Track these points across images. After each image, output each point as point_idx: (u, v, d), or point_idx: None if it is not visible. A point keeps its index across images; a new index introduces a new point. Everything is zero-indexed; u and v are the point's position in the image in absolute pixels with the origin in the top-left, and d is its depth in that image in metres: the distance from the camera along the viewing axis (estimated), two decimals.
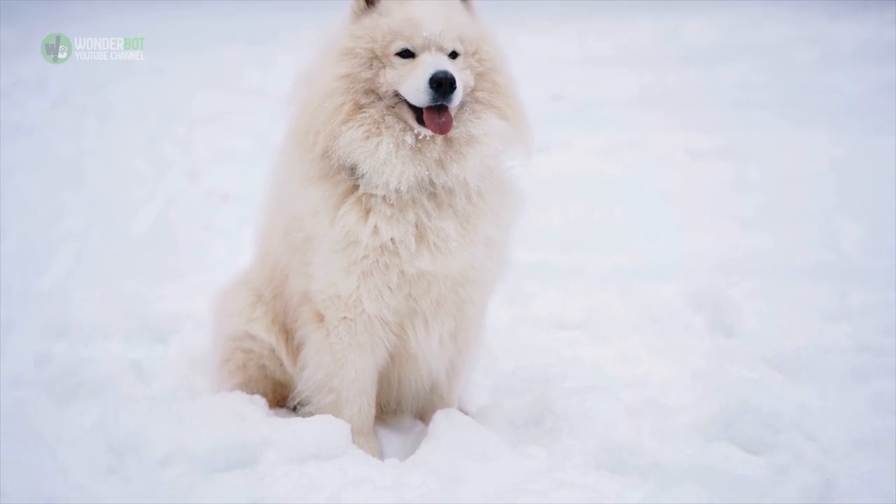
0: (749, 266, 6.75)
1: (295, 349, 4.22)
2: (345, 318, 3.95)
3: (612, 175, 9.23)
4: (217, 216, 8.06)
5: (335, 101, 3.78)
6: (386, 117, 3.80)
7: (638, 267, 6.75)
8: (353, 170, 3.83)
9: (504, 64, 4.01)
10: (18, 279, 6.40)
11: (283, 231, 4.09)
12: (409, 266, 3.85)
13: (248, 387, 4.30)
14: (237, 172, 8.85)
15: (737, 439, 3.92)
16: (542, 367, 4.80)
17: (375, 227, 3.81)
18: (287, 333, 4.26)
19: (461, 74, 3.80)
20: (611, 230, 7.77)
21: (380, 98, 3.81)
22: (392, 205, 3.82)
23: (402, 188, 3.79)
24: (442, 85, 3.69)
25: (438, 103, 3.72)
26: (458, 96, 3.75)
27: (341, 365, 4.00)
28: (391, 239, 3.82)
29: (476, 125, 3.87)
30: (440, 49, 3.80)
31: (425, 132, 3.77)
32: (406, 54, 3.80)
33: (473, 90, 3.90)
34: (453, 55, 3.83)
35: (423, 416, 4.31)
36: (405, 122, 3.80)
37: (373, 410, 4.12)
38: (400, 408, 4.33)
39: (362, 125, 3.78)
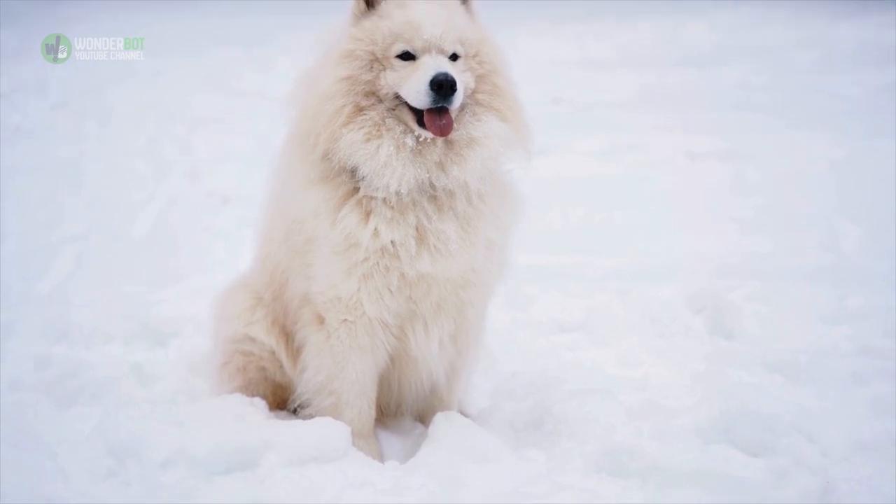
0: (749, 268, 6.75)
1: (295, 352, 4.22)
2: (345, 320, 3.95)
3: (611, 177, 9.23)
4: (217, 218, 8.06)
5: (336, 103, 3.79)
6: (386, 119, 3.81)
7: (638, 269, 6.76)
8: (353, 172, 3.83)
9: (504, 66, 4.01)
10: (18, 282, 6.41)
11: (283, 233, 4.09)
12: (409, 268, 3.85)
13: (249, 389, 4.31)
14: (237, 174, 8.85)
15: (737, 442, 3.92)
16: (542, 370, 4.81)
17: (376, 229, 3.81)
18: (287, 336, 4.26)
19: (462, 77, 3.80)
20: (610, 232, 7.77)
21: (380, 100, 3.82)
22: (392, 207, 3.82)
23: (402, 190, 3.79)
24: (443, 87, 3.69)
25: (439, 105, 3.73)
26: (458, 98, 3.75)
27: (342, 367, 4.01)
28: (391, 241, 3.82)
29: (476, 127, 3.87)
30: (441, 51, 3.80)
31: (426, 134, 3.78)
32: (406, 57, 3.80)
33: (474, 92, 3.90)
34: (454, 57, 3.83)
35: (424, 418, 4.31)
36: (406, 124, 3.80)
37: (373, 413, 4.13)
38: (400, 410, 4.34)
39: (363, 127, 3.78)
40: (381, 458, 4.05)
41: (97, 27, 12.41)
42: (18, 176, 8.83)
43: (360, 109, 3.80)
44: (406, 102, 3.78)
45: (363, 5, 3.88)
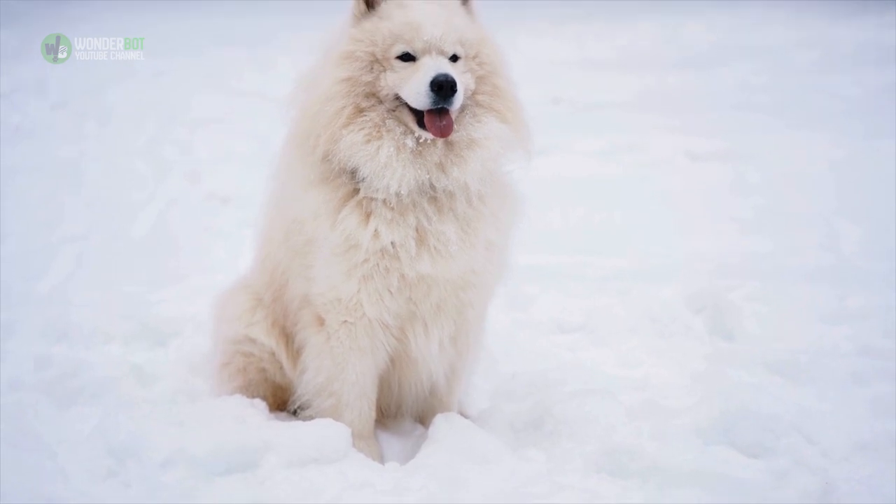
0: (749, 269, 6.75)
1: (295, 353, 4.22)
2: (345, 321, 3.95)
3: (611, 178, 9.24)
4: (217, 218, 8.06)
5: (336, 104, 3.78)
6: (387, 121, 3.80)
7: (638, 270, 6.76)
8: (353, 173, 3.83)
9: (504, 67, 4.01)
10: (18, 282, 6.41)
11: (283, 234, 4.09)
12: (409, 270, 3.85)
13: (249, 390, 4.31)
14: (237, 174, 8.85)
15: (736, 442, 3.92)
16: (542, 371, 4.81)
17: (376, 230, 3.81)
18: (287, 337, 4.26)
19: (462, 78, 3.80)
20: (610, 233, 7.77)
21: (380, 101, 3.81)
22: (392, 208, 3.82)
23: (402, 192, 3.79)
24: (443, 88, 3.69)
25: (439, 106, 3.72)
26: (458, 99, 3.75)
27: (342, 368, 4.01)
28: (392, 242, 3.82)
29: (477, 129, 3.87)
30: (441, 52, 3.80)
31: (426, 136, 3.77)
32: (407, 58, 3.80)
33: (474, 93, 3.90)
34: (454, 58, 3.83)
35: (424, 419, 4.31)
36: (406, 125, 3.80)
37: (373, 414, 4.12)
38: (400, 411, 4.33)
39: (363, 129, 3.78)
40: (381, 459, 4.05)
41: (98, 27, 12.43)
42: (18, 176, 8.83)
43: (360, 111, 3.79)
44: (406, 104, 3.78)
45: (363, 6, 3.88)
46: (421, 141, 3.80)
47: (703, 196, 8.66)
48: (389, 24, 3.82)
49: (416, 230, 3.84)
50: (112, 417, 3.88)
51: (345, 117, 3.77)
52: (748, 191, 8.74)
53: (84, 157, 9.67)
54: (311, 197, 3.89)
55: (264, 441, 3.76)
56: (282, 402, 4.35)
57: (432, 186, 3.82)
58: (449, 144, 3.83)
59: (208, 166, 9.43)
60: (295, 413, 4.26)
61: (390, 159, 3.76)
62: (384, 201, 3.82)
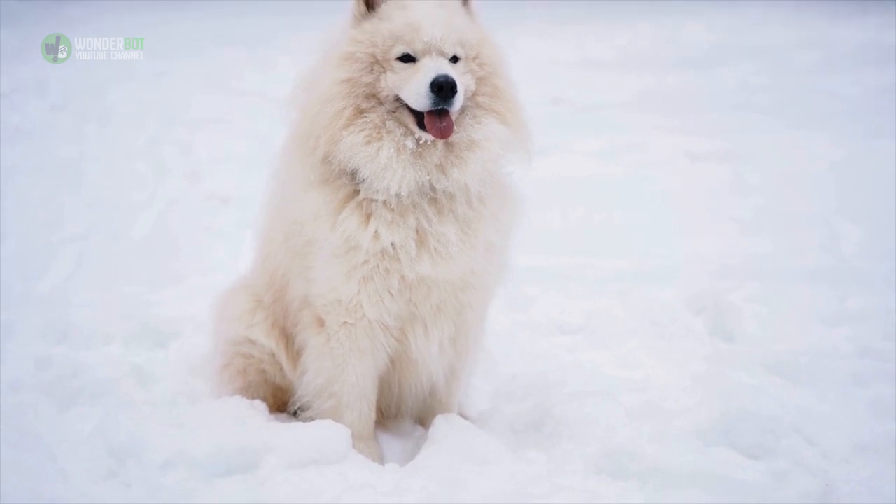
0: (749, 270, 6.75)
1: (295, 354, 4.22)
2: (345, 322, 3.95)
3: (611, 178, 9.23)
4: (217, 219, 8.06)
5: (336, 105, 3.78)
6: (387, 122, 3.80)
7: (638, 270, 6.76)
8: (353, 174, 3.82)
9: (504, 68, 4.01)
10: (19, 282, 6.40)
11: (283, 235, 4.09)
12: (409, 271, 3.85)
13: (249, 391, 4.31)
14: (237, 175, 8.85)
15: (737, 444, 3.92)
16: (542, 372, 4.80)
17: (376, 231, 3.81)
18: (287, 338, 4.26)
19: (462, 79, 3.80)
20: (610, 233, 7.77)
21: (381, 103, 3.81)
22: (393, 210, 3.82)
23: (402, 193, 3.78)
24: (443, 89, 3.69)
25: (439, 107, 3.72)
26: (459, 100, 3.75)
27: (342, 370, 4.00)
28: (392, 244, 3.82)
29: (477, 130, 3.87)
30: (441, 53, 3.80)
31: (426, 137, 3.77)
32: (407, 59, 3.80)
33: (474, 94, 3.90)
34: (454, 59, 3.83)
35: (424, 420, 4.31)
36: (406, 126, 3.80)
37: (373, 415, 4.12)
38: (400, 412, 4.33)
39: (363, 130, 3.78)
40: (381, 460, 4.05)
41: (98, 28, 12.43)
42: (18, 176, 8.83)
43: (360, 112, 3.79)
44: (406, 105, 3.78)
45: (363, 7, 3.88)
46: (421, 142, 3.80)
47: (703, 196, 8.67)
48: (390, 26, 3.82)
49: (417, 231, 3.84)
50: (112, 418, 3.88)
51: (345, 119, 3.77)
52: (748, 191, 8.74)
53: (84, 157, 9.66)
54: (311, 198, 3.89)
55: (264, 442, 3.75)
56: (282, 403, 4.35)
57: (432, 188, 3.82)
58: (449, 146, 3.83)
59: (208, 166, 9.43)
60: (295, 414, 4.26)
61: (390, 160, 3.76)
62: (384, 202, 3.82)
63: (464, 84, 3.80)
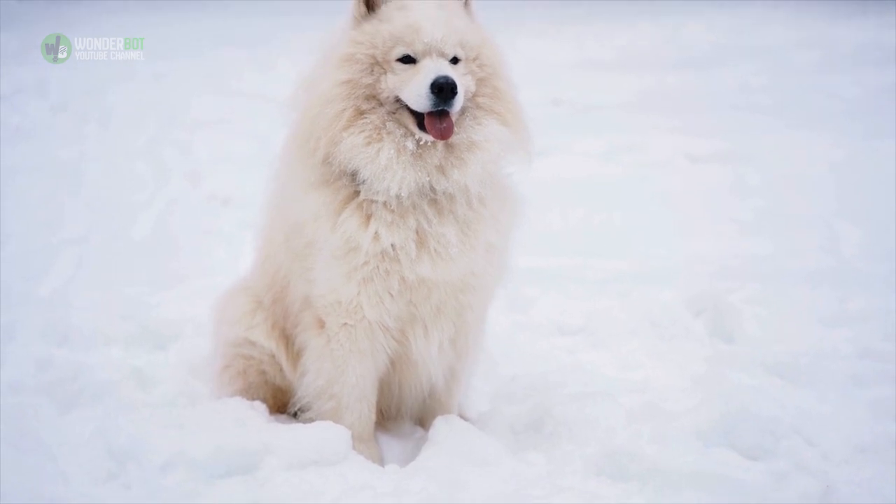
0: (749, 271, 6.75)
1: (295, 355, 4.21)
2: (345, 324, 3.95)
3: (611, 179, 9.24)
4: (218, 220, 8.06)
5: (336, 106, 3.78)
6: (387, 123, 3.80)
7: (638, 271, 6.76)
8: (353, 176, 3.83)
9: (505, 69, 4.01)
10: (19, 284, 6.40)
11: (283, 237, 4.09)
12: (409, 272, 3.85)
13: (249, 393, 4.31)
14: (237, 176, 8.84)
15: (737, 445, 3.92)
16: (542, 373, 4.80)
17: (376, 233, 3.81)
18: (287, 339, 4.26)
19: (462, 80, 3.80)
20: (610, 234, 7.77)
21: (381, 104, 3.81)
22: (393, 211, 3.82)
23: (402, 194, 3.78)
24: (443, 90, 3.69)
25: (440, 108, 3.72)
26: (459, 101, 3.75)
27: (342, 371, 4.00)
28: (392, 245, 3.82)
29: (477, 131, 3.87)
30: (441, 55, 3.79)
31: (426, 138, 3.77)
32: (407, 60, 3.80)
33: (474, 96, 3.90)
34: (454, 60, 3.83)
35: (423, 421, 4.31)
36: (406, 127, 3.80)
37: (373, 416, 4.12)
38: (400, 414, 4.33)
39: (363, 131, 3.78)
40: (381, 461, 4.05)
41: (98, 28, 12.44)
42: (18, 177, 8.83)
43: (360, 113, 3.79)
44: (407, 106, 3.78)
45: (363, 8, 3.88)
46: (421, 143, 3.80)
47: (703, 197, 8.67)
48: (390, 27, 3.82)
49: (417, 232, 3.84)
50: (112, 420, 3.88)
51: (345, 120, 3.77)
52: (748, 192, 8.75)
53: (84, 158, 9.66)
54: (311, 199, 3.89)
55: (264, 443, 3.75)
56: (282, 404, 4.35)
57: (432, 189, 3.82)
58: (449, 147, 3.83)
59: (208, 167, 9.43)
60: (295, 415, 4.26)
61: (390, 162, 3.76)
62: (384, 204, 3.82)
63: (464, 85, 3.80)
